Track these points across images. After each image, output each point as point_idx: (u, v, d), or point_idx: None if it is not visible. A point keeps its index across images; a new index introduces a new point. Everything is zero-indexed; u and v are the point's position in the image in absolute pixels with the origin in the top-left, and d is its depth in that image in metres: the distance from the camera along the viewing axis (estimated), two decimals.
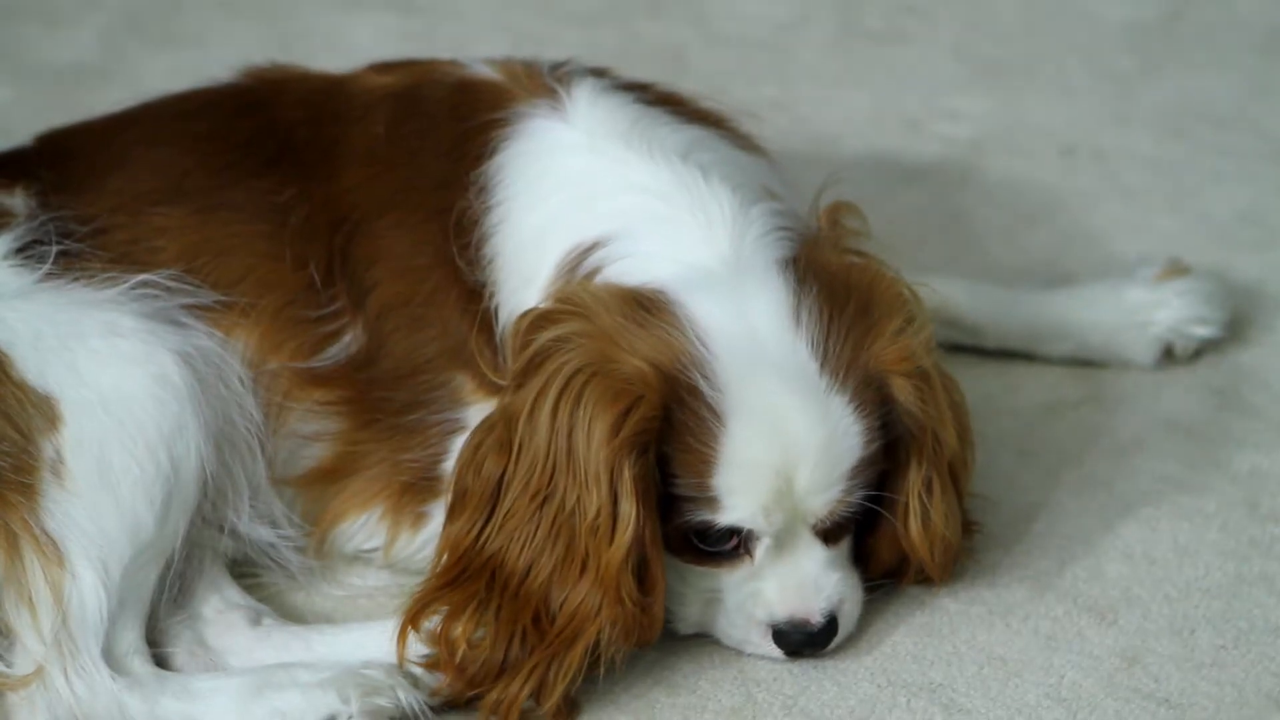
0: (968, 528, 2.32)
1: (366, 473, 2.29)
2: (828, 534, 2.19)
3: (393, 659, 2.16)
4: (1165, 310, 2.63)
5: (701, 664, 2.23)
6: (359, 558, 2.33)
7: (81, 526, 2.11)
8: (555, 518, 2.12)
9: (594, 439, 2.10)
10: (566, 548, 2.12)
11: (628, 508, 2.10)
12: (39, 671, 2.10)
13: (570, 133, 2.30)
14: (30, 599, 2.10)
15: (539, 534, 2.12)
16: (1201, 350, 2.65)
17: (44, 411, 2.13)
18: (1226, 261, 2.82)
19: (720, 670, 2.22)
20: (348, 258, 2.30)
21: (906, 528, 2.22)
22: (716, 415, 2.12)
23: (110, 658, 2.11)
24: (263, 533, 2.28)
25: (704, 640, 2.25)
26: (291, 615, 2.29)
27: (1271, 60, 3.34)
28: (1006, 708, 2.17)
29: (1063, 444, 2.52)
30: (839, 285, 2.17)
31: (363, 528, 2.31)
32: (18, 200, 2.29)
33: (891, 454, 2.20)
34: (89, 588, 2.10)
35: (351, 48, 3.23)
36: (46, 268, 2.21)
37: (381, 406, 2.29)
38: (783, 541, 2.18)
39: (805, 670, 2.22)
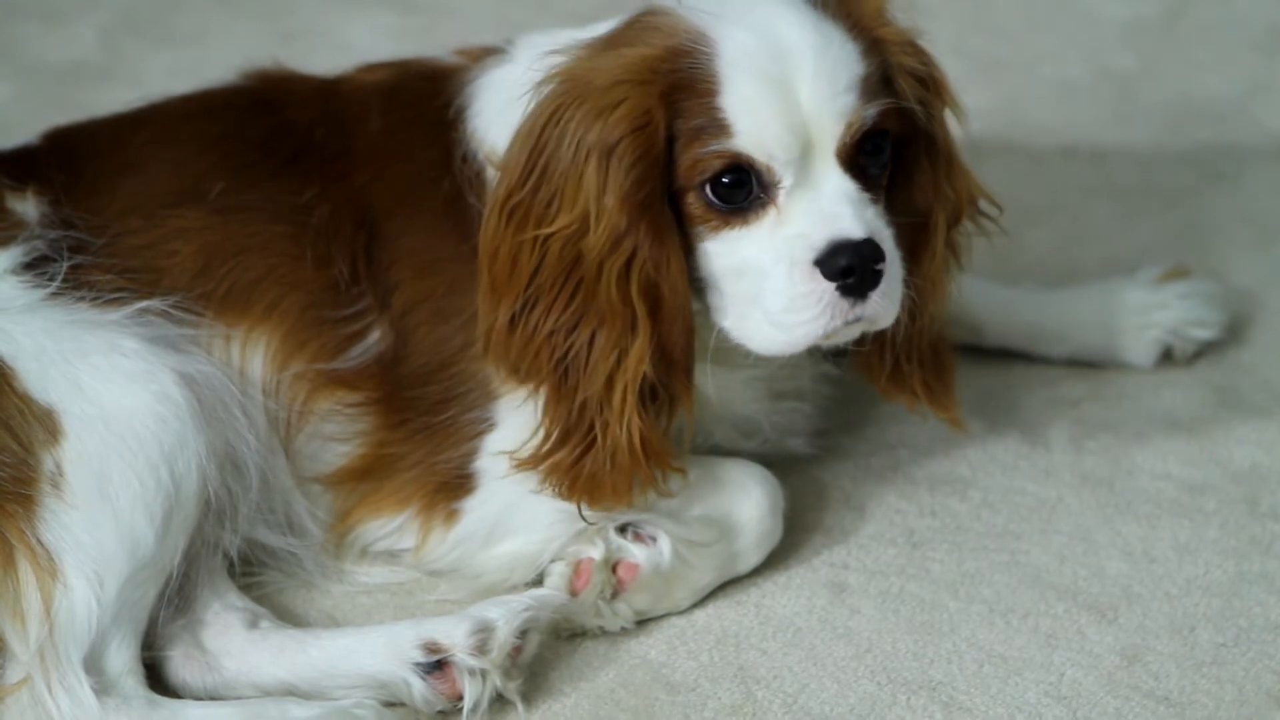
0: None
1: (401, 475, 2.30)
2: (854, 168, 2.20)
3: (383, 669, 2.16)
4: (1165, 312, 2.64)
5: (701, 663, 2.23)
6: (373, 555, 2.33)
7: (78, 539, 2.10)
8: (568, 266, 2.18)
9: (580, 154, 2.16)
10: (578, 282, 2.18)
11: (611, 201, 2.15)
12: (25, 681, 2.10)
13: (516, 67, 2.32)
14: (21, 608, 2.10)
15: (562, 292, 2.19)
16: (1200, 352, 2.65)
17: (45, 424, 2.13)
18: (1226, 260, 2.83)
19: (720, 668, 2.22)
20: (371, 257, 2.31)
21: (933, 168, 2.28)
22: (711, 48, 2.18)
23: (103, 676, 2.11)
24: (277, 540, 2.29)
25: (704, 639, 2.25)
26: (290, 615, 2.29)
27: (1271, 59, 3.34)
28: (1006, 706, 2.17)
29: (1063, 442, 2.52)
30: None
31: (397, 529, 2.31)
32: (29, 205, 2.28)
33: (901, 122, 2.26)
34: (80, 600, 2.10)
35: (351, 46, 3.23)
36: (54, 285, 2.21)
37: (412, 406, 2.30)
38: (804, 178, 2.18)
39: (805, 668, 2.22)
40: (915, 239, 2.29)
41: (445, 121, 2.33)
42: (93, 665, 2.10)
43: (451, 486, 2.29)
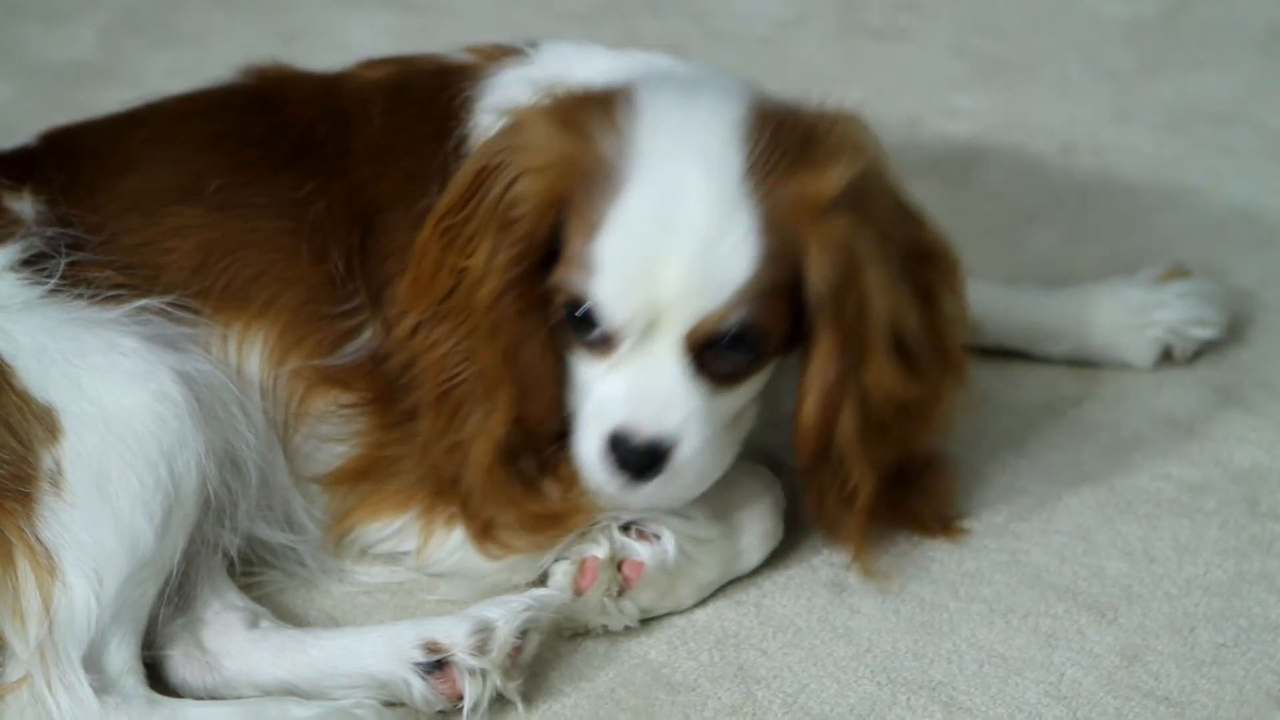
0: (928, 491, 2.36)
1: (401, 477, 2.30)
2: (702, 362, 2.17)
3: (383, 669, 2.16)
4: (1165, 311, 2.63)
5: (701, 662, 2.23)
6: (371, 555, 2.33)
7: (77, 537, 2.10)
8: (471, 305, 2.20)
9: (499, 209, 2.17)
10: (475, 323, 2.21)
11: (498, 263, 2.17)
12: (25, 679, 2.10)
13: (535, 70, 2.33)
14: (20, 606, 2.10)
15: (464, 324, 2.22)
16: (1200, 351, 2.65)
17: (45, 422, 2.13)
18: (1226, 259, 2.83)
19: (720, 668, 2.22)
20: (365, 252, 2.31)
21: (799, 411, 2.22)
22: (619, 180, 2.14)
23: (103, 674, 2.10)
24: (276, 536, 2.29)
25: (704, 639, 2.26)
26: (290, 615, 2.29)
27: (1271, 58, 3.34)
28: (1006, 706, 2.17)
29: (1062, 442, 2.52)
30: (798, 123, 2.21)
31: (397, 532, 2.31)
32: (26, 205, 2.28)
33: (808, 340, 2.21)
34: (80, 598, 2.09)
35: (350, 45, 3.22)
36: (52, 282, 2.21)
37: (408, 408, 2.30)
38: (645, 347, 2.17)
39: (805, 668, 2.22)
40: (831, 402, 2.23)
41: (450, 116, 2.33)
42: (92, 664, 2.10)
43: (453, 489, 2.29)
